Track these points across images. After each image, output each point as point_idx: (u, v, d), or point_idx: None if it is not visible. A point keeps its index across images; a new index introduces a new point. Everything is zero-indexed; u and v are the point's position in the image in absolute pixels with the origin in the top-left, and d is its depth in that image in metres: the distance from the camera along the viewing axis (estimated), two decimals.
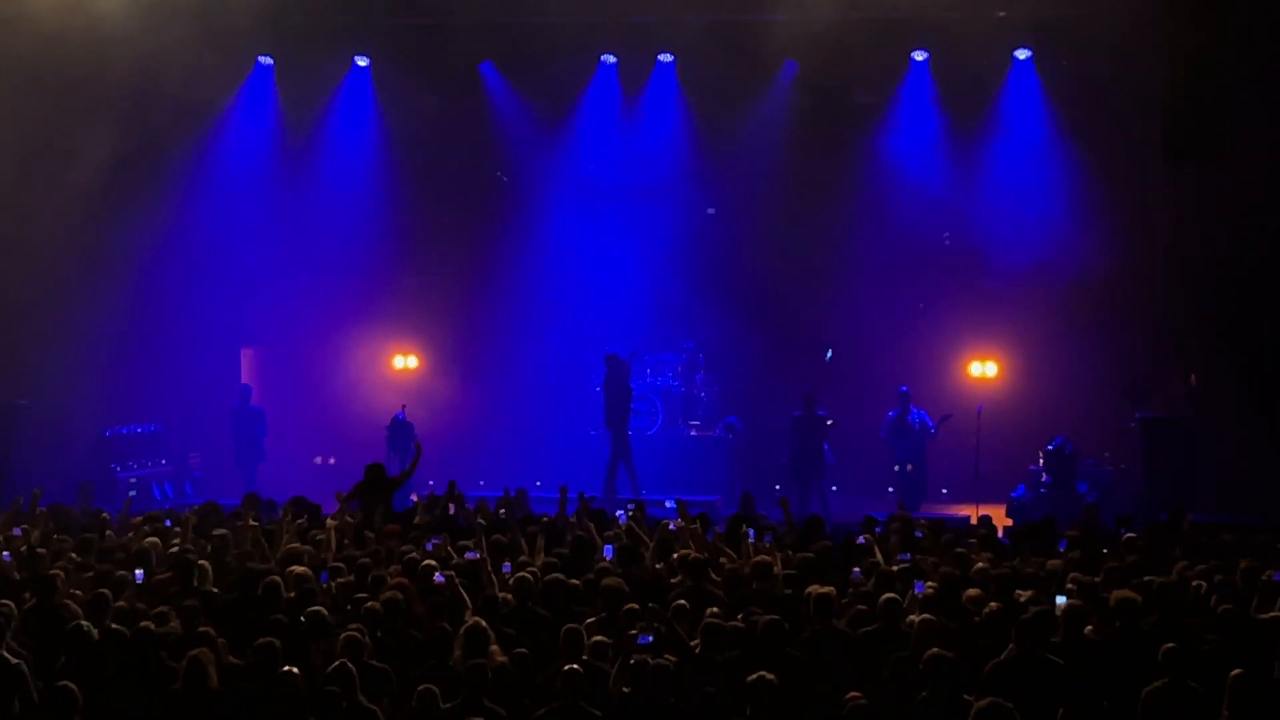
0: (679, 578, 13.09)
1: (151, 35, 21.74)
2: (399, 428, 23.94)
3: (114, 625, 11.11)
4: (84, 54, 21.59)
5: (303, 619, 11.55)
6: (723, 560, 13.83)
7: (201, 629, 11.12)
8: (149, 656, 10.68)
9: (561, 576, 12.59)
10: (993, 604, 11.61)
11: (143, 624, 11.01)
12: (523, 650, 10.89)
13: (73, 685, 9.71)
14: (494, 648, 10.90)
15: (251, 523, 15.18)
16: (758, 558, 13.29)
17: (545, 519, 16.45)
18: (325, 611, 11.60)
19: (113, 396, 24.69)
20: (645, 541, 14.80)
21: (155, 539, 14.59)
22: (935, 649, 10.21)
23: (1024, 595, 12.12)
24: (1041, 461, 22.41)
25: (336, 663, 10.23)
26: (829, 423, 22.73)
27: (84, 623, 11.08)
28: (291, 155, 26.41)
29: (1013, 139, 25.03)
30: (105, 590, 12.05)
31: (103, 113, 22.89)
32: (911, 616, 11.44)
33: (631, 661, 10.25)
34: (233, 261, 25.79)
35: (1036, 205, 24.72)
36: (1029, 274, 24.61)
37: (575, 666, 10.20)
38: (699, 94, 25.85)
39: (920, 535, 15.43)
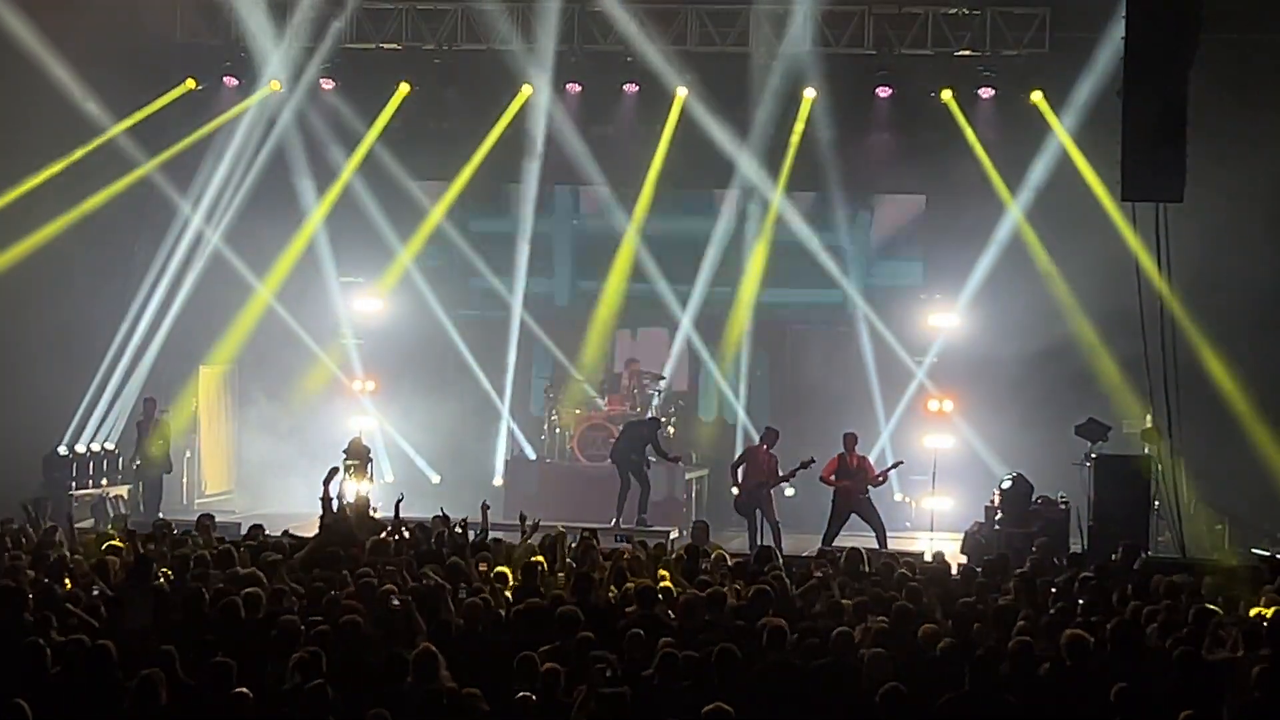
0: (632, 607, 13.10)
1: (118, 52, 21.77)
2: (355, 451, 23.81)
3: (63, 641, 11.04)
4: (42, 67, 21.60)
5: (273, 633, 11.51)
6: (676, 590, 13.84)
7: (163, 647, 11.05)
8: (100, 674, 10.61)
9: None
10: (946, 640, 11.67)
11: (100, 642, 10.96)
12: (473, 692, 10.84)
13: (23, 703, 9.64)
14: (445, 673, 10.86)
15: (204, 540, 15.13)
16: (711, 589, 13.31)
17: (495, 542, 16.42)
18: (286, 631, 11.56)
19: (66, 413, 24.55)
20: (600, 566, 14.79)
21: (114, 557, 14.52)
22: (890, 683, 10.24)
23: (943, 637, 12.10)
24: (996, 498, 22.44)
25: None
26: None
27: (40, 640, 11.00)
28: (253, 175, 26.34)
29: (972, 178, 25.20)
30: (50, 610, 11.96)
31: (63, 121, 22.89)
32: (863, 650, 11.50)
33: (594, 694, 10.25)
34: (191, 279, 25.79)
35: (993, 244, 25.02)
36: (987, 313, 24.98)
37: (530, 694, 10.19)
38: (663, 125, 25.94)
39: (873, 569, 15.48)
